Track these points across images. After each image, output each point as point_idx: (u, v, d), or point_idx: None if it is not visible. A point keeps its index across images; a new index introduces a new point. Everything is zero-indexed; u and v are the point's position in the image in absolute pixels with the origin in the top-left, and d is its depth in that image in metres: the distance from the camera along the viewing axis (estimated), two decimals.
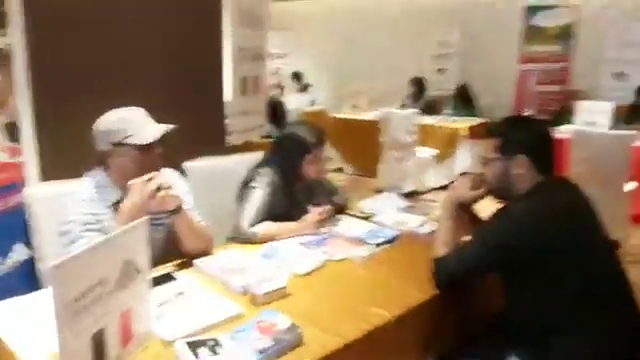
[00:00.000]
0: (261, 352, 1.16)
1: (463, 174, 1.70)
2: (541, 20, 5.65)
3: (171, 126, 1.61)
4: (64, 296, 0.93)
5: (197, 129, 2.04)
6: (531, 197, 1.45)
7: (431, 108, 6.07)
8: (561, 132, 4.49)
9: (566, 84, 5.67)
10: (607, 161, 3.68)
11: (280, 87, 7.18)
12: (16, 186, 1.89)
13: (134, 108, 1.62)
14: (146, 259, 1.19)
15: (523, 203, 1.45)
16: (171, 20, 2.28)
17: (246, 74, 2.70)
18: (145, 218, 1.20)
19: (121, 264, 1.10)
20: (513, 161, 1.48)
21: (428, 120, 5.49)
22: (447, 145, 5.23)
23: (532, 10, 5.69)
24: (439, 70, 6.90)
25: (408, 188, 5.07)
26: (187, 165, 2.25)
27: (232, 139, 2.75)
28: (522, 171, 1.48)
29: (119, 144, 1.57)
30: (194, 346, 1.16)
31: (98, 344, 1.04)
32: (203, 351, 1.15)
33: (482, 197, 1.62)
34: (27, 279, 1.81)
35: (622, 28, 5.45)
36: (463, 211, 1.68)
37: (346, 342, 1.26)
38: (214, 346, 1.17)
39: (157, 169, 1.59)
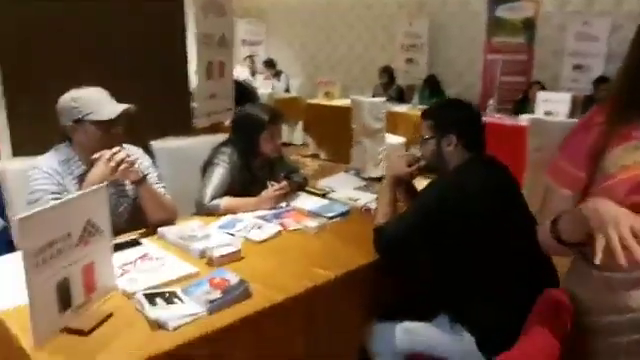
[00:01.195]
0: (210, 302, 1.31)
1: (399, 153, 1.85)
2: (505, 12, 5.85)
3: (130, 105, 1.72)
4: (29, 246, 1.06)
5: (163, 112, 2.15)
6: (459, 171, 1.62)
7: (401, 96, 6.26)
8: (520, 120, 4.74)
9: (529, 75, 5.91)
10: None
11: (252, 73, 7.27)
12: None
13: (94, 88, 1.73)
14: (107, 221, 1.32)
15: (450, 176, 1.63)
16: (135, 6, 2.37)
17: (212, 59, 2.81)
18: (104, 184, 1.32)
19: (83, 223, 1.23)
20: (444, 139, 1.65)
21: (397, 108, 5.67)
22: (415, 132, 5.41)
23: (495, 2, 5.89)
24: (408, 60, 7.07)
25: (378, 173, 5.26)
26: (153, 144, 2.36)
27: (198, 122, 2.86)
28: (452, 148, 1.65)
29: (79, 121, 1.68)
30: (151, 296, 1.31)
31: (63, 292, 1.18)
32: (159, 301, 1.29)
33: (417, 172, 1.78)
34: (3, 246, 1.91)
35: (581, 22, 5.69)
36: (402, 186, 1.85)
37: (289, 296, 1.42)
38: (169, 297, 1.32)
39: (118, 145, 1.70)
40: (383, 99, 5.30)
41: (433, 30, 6.90)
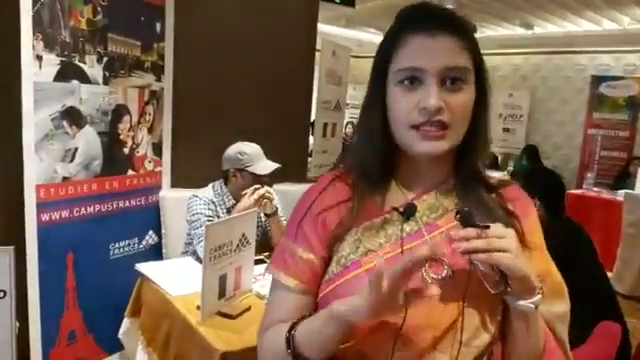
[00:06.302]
0: None
1: None
2: (608, 89, 5.92)
3: (279, 165, 2.21)
4: (210, 245, 1.53)
5: (289, 162, 2.62)
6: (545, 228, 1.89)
7: (495, 164, 6.43)
8: (617, 195, 4.72)
9: (630, 151, 5.84)
10: None
11: (352, 136, 7.84)
12: (155, 189, 2.58)
13: (254, 144, 2.24)
14: (253, 236, 1.77)
15: None
16: (278, 78, 2.97)
17: (327, 121, 3.34)
18: (254, 209, 1.79)
19: (239, 235, 1.68)
20: None
21: (489, 173, 5.83)
22: None
23: (598, 80, 6.00)
24: (505, 129, 7.25)
25: None
26: (275, 187, 2.86)
27: (311, 173, 3.36)
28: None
29: (241, 170, 2.18)
30: None
31: (222, 283, 1.62)
32: None
33: None
34: (154, 257, 2.45)
35: None
36: None
37: None
38: None
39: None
40: None
41: (534, 102, 7.08)
